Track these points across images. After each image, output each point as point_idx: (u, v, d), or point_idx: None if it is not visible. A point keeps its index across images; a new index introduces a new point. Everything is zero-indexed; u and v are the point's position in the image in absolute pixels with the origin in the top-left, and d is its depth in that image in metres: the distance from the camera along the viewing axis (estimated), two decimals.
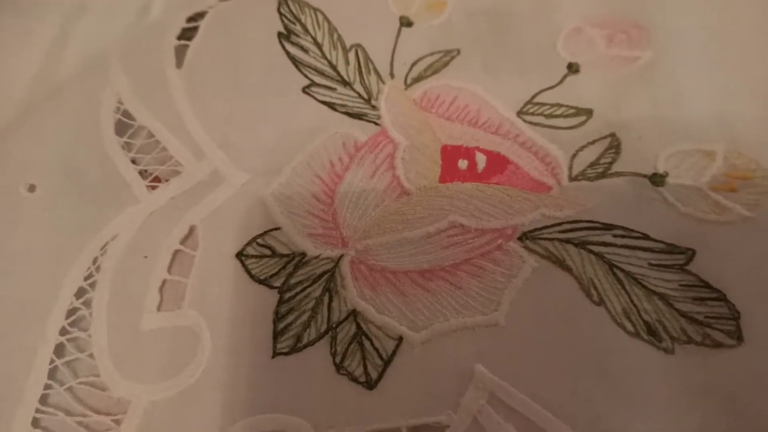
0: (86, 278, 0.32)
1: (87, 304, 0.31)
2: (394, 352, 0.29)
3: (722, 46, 0.37)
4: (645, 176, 0.33)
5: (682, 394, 0.28)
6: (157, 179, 0.34)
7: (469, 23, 0.39)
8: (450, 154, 0.34)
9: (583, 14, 0.39)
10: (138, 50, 0.37)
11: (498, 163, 0.34)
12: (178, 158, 0.34)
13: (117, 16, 0.40)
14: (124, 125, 0.35)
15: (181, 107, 0.35)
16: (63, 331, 0.30)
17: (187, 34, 0.38)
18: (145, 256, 0.32)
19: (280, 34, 0.38)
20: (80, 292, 0.31)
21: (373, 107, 0.36)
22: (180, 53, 0.37)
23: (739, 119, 0.34)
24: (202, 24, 0.38)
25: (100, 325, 0.31)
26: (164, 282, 0.32)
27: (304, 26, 0.38)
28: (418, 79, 0.37)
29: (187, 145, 0.34)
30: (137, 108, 0.35)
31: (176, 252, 0.32)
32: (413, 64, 0.38)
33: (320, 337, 0.30)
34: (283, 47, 0.37)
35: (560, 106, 0.35)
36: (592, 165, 0.33)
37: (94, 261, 0.32)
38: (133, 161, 0.35)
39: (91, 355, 0.30)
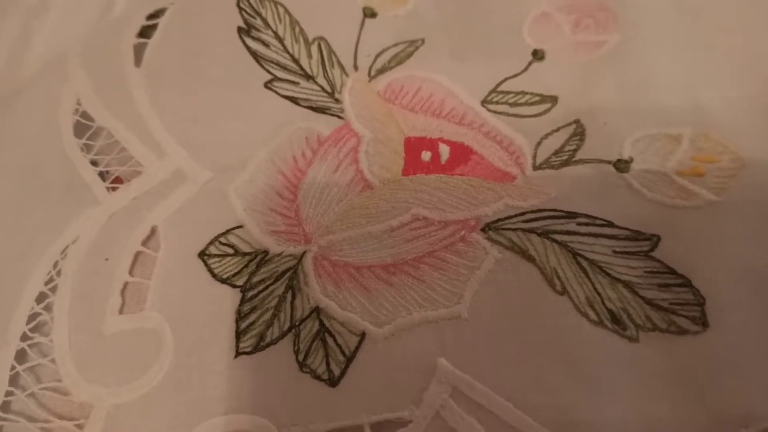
0: (47, 282, 0.31)
1: (48, 308, 0.31)
2: (356, 348, 0.29)
3: (692, 27, 0.36)
4: (609, 163, 0.32)
5: (647, 382, 0.28)
6: (118, 180, 0.34)
7: (435, 11, 0.39)
8: (413, 146, 0.34)
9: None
10: (97, 49, 0.37)
11: (462, 153, 0.33)
12: (138, 158, 0.34)
13: (79, 14, 0.40)
14: (83, 126, 0.35)
15: (140, 106, 0.35)
16: (24, 337, 0.30)
17: (147, 31, 0.37)
18: (107, 259, 0.32)
19: (240, 29, 0.37)
20: (41, 297, 0.31)
21: (337, 101, 0.36)
22: (140, 51, 0.37)
23: (708, 102, 0.34)
24: (161, 21, 0.37)
25: (62, 330, 0.30)
26: (126, 284, 0.31)
27: (264, 20, 0.37)
28: (382, 71, 0.37)
29: (147, 145, 0.34)
30: (96, 108, 0.35)
31: (138, 253, 0.32)
32: (377, 56, 0.37)
33: (283, 335, 0.30)
34: (244, 42, 0.37)
35: (525, 93, 0.35)
36: (556, 153, 0.33)
37: (55, 265, 0.32)
38: (94, 162, 0.34)
39: (53, 360, 0.30)
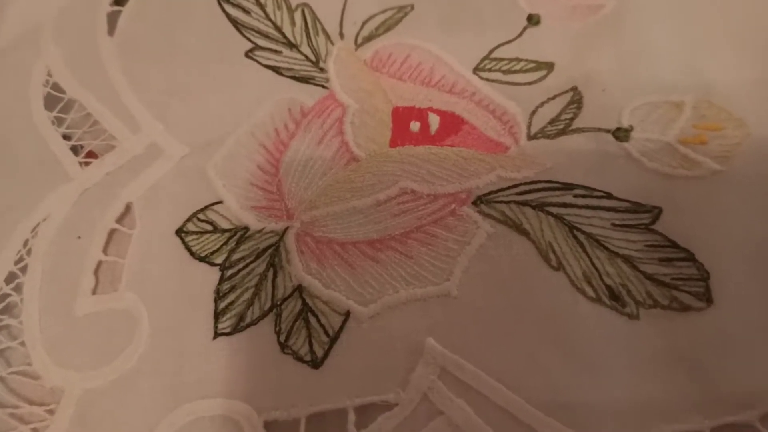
0: (16, 262, 0.30)
1: (18, 289, 0.29)
2: (340, 329, 0.27)
3: None
4: (608, 131, 0.31)
5: (647, 361, 0.26)
6: (91, 154, 0.32)
7: None
8: (401, 116, 0.32)
9: None
10: (69, 19, 0.35)
11: (452, 123, 0.32)
12: (112, 132, 0.32)
13: None
14: (54, 98, 0.33)
15: (113, 77, 0.33)
16: None
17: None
18: (79, 237, 0.30)
19: None
20: (10, 277, 0.30)
21: (321, 70, 0.34)
22: (114, 20, 0.35)
23: (711, 67, 0.32)
24: None
25: (32, 312, 0.29)
26: (100, 263, 0.30)
27: None
28: (369, 39, 0.35)
29: (121, 118, 0.33)
30: (67, 80, 0.33)
31: (112, 231, 0.31)
32: (364, 23, 0.35)
33: (264, 315, 0.28)
34: (223, 9, 0.35)
35: (519, 60, 0.33)
36: (552, 122, 0.31)
37: (25, 244, 0.30)
38: (66, 136, 0.33)
39: (22, 343, 0.29)
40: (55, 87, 0.33)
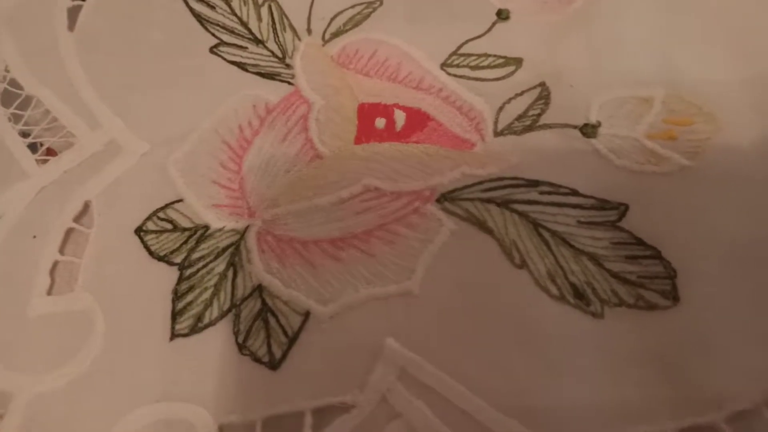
0: None
1: None
2: (300, 329, 0.27)
3: None
4: (576, 127, 0.30)
5: (613, 361, 0.25)
6: (51, 152, 0.32)
7: None
8: (367, 112, 0.32)
9: None
10: (27, 12, 0.34)
11: (418, 120, 0.31)
12: (70, 128, 0.32)
13: None
14: (11, 95, 0.32)
15: (72, 73, 0.32)
16: None
17: None
18: (35, 236, 0.30)
19: None
20: None
21: (288, 66, 0.33)
22: (74, 15, 0.34)
23: (681, 62, 0.32)
24: None
25: None
26: (56, 263, 0.29)
27: None
28: (336, 35, 0.34)
29: (80, 114, 0.32)
30: (24, 76, 0.32)
31: (69, 230, 0.30)
32: (332, 19, 0.35)
33: (222, 316, 0.28)
34: (187, 4, 0.35)
35: (488, 56, 0.33)
36: (519, 118, 0.31)
37: None
38: (24, 133, 0.32)
39: None
40: (12, 83, 0.32)
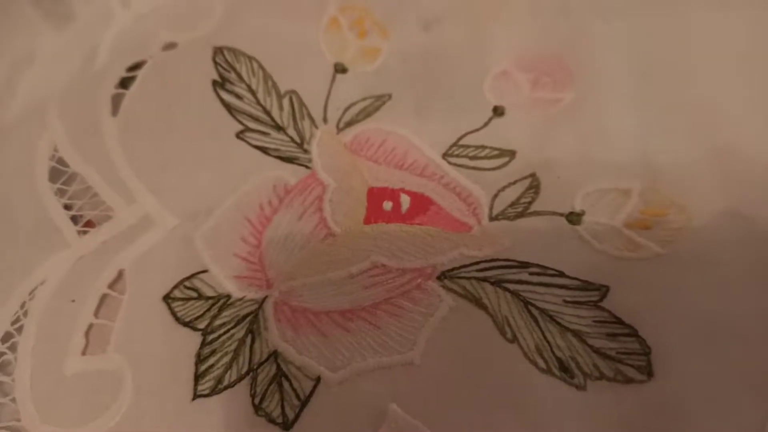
0: (13, 323, 0.32)
1: (13, 348, 0.31)
2: (311, 393, 0.30)
3: (644, 87, 0.38)
4: (562, 215, 0.33)
5: (595, 429, 0.28)
6: (90, 224, 0.35)
7: (403, 68, 0.40)
8: (376, 195, 0.35)
9: (513, 55, 0.40)
10: (76, 98, 0.38)
11: (421, 203, 0.35)
12: (109, 203, 0.35)
13: (63, 65, 0.42)
14: (58, 171, 0.36)
15: (114, 153, 0.36)
16: None
17: (126, 83, 0.39)
18: (73, 300, 0.32)
19: (214, 82, 0.39)
20: (6, 336, 0.32)
21: (305, 151, 0.37)
22: (118, 101, 0.38)
23: (657, 157, 0.35)
24: (140, 73, 0.39)
25: (24, 369, 0.31)
26: (90, 326, 0.32)
27: (238, 74, 0.39)
28: (350, 124, 0.38)
29: (118, 191, 0.35)
30: (71, 155, 0.36)
31: (104, 295, 0.33)
32: (346, 109, 0.39)
33: (241, 379, 0.30)
34: (218, 94, 0.38)
35: (485, 147, 0.36)
36: (512, 204, 0.34)
37: (22, 305, 0.32)
38: (67, 207, 0.35)
39: (13, 399, 0.30)
40: (60, 161, 0.36)
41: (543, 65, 0.39)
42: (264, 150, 0.37)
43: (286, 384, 0.30)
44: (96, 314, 0.32)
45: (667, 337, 0.30)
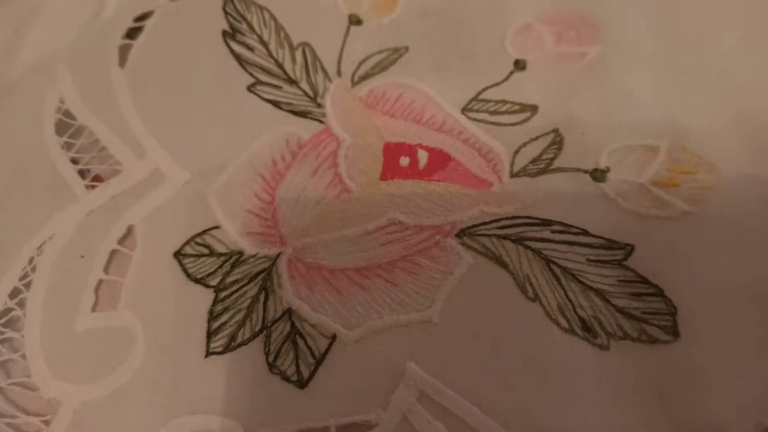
0: (21, 278, 0.31)
1: (21, 304, 0.31)
2: (326, 351, 0.29)
3: (673, 40, 0.37)
4: (586, 172, 0.32)
5: (617, 390, 0.27)
6: (98, 178, 0.34)
7: (420, 21, 0.39)
8: (392, 151, 0.34)
9: (534, 11, 0.38)
10: (83, 49, 0.37)
11: (439, 160, 0.34)
12: (118, 157, 0.34)
13: (69, 17, 0.40)
14: (65, 124, 0.35)
15: (123, 106, 0.35)
16: None
17: (133, 33, 0.38)
18: (82, 256, 0.32)
19: (225, 33, 0.37)
20: (15, 292, 0.31)
21: (319, 105, 0.36)
22: (125, 53, 0.37)
23: (686, 114, 0.34)
24: (148, 23, 0.38)
25: (34, 326, 0.30)
26: (100, 282, 0.31)
27: (249, 25, 0.38)
28: (365, 77, 0.37)
29: (128, 144, 0.34)
30: (78, 107, 0.35)
31: (114, 252, 0.32)
32: (361, 62, 0.37)
33: (254, 336, 0.30)
34: (228, 46, 0.37)
35: (505, 102, 0.35)
36: (533, 161, 0.33)
37: (30, 261, 0.32)
38: (75, 160, 0.34)
39: (23, 356, 0.30)
40: (67, 113, 0.35)
41: (567, 19, 0.38)
42: (276, 104, 0.36)
43: (300, 342, 0.29)
44: (106, 270, 0.32)
45: (692, 297, 0.29)
